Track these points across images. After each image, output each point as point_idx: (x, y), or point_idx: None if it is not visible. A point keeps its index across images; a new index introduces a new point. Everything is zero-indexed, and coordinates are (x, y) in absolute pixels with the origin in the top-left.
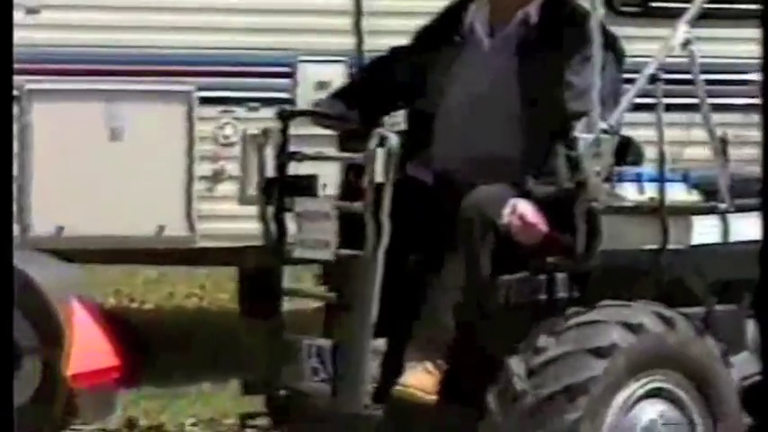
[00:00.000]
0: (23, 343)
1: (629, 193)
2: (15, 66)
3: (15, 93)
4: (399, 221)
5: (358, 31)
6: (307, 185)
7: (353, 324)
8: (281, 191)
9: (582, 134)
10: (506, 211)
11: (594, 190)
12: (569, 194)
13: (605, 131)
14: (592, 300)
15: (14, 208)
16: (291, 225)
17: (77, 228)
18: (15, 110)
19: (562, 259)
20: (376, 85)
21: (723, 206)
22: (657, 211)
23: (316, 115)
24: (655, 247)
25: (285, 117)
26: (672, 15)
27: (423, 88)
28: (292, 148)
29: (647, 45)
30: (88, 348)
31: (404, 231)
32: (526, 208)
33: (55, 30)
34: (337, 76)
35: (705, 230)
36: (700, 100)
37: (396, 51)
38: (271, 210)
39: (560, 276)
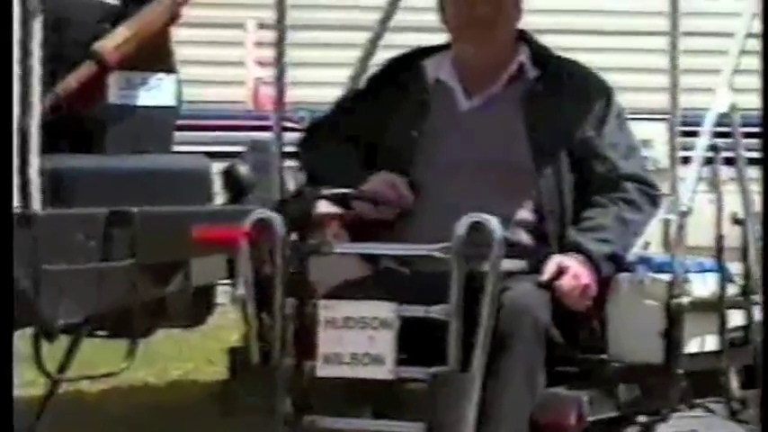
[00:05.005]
0: None
1: (697, 286)
2: None
3: None
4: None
5: None
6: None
7: None
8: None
9: (669, 216)
10: (550, 268)
11: (681, 285)
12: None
13: (684, 214)
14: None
15: None
16: None
17: None
18: None
19: (641, 368)
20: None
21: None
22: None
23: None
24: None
25: (311, 199)
26: None
27: (384, 152)
28: None
29: None
30: None
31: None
32: (576, 265)
33: None
34: (660, 135)
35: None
36: (738, 168)
37: (349, 106)
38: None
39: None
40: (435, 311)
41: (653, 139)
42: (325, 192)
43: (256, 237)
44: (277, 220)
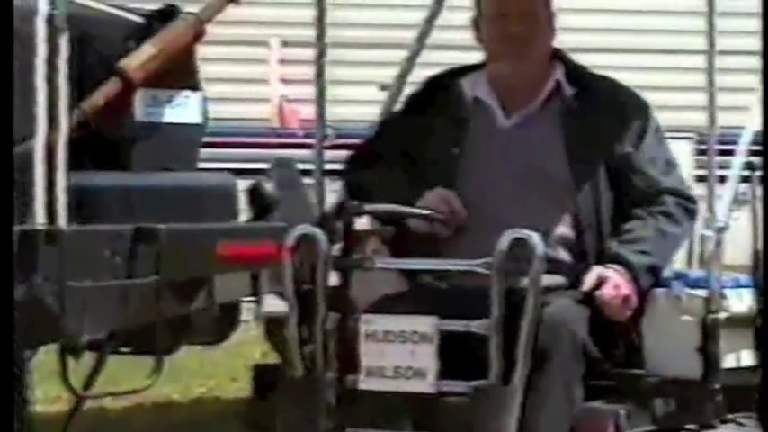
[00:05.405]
0: None
1: (733, 302)
2: None
3: None
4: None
5: None
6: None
7: None
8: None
9: (705, 231)
10: (591, 278)
11: (718, 300)
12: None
13: (721, 230)
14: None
15: None
16: None
17: None
18: None
19: (678, 382)
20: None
21: None
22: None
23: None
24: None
25: (352, 214)
26: None
27: (425, 170)
28: None
29: None
30: None
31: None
32: (616, 276)
33: None
34: (684, 153)
35: None
36: None
37: (391, 126)
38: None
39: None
40: (476, 326)
41: (677, 157)
42: (368, 207)
43: (300, 252)
44: (320, 235)
